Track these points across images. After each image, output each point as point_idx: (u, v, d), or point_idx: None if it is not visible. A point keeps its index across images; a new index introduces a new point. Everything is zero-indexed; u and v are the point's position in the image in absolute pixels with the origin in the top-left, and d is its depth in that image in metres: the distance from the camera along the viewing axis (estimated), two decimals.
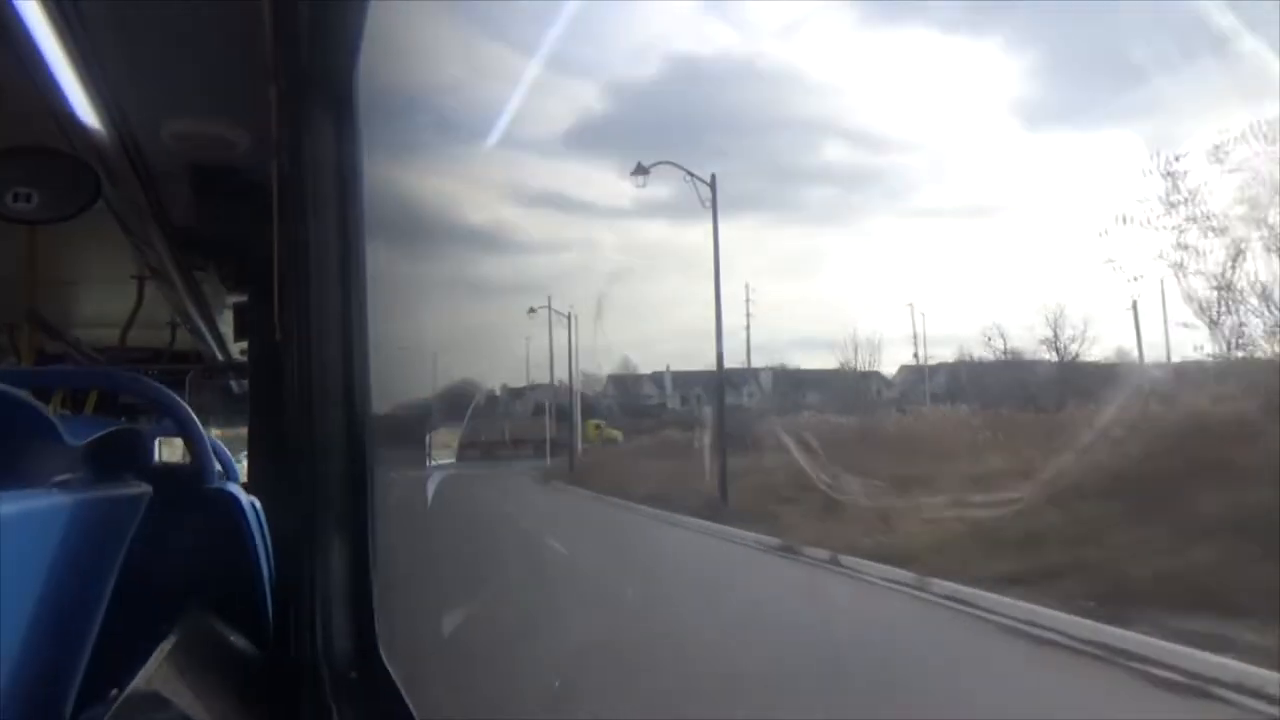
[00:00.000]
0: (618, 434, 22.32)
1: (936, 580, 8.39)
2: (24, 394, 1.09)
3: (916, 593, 8.45)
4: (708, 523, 13.36)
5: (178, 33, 2.29)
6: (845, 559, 9.92)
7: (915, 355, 18.73)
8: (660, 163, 15.65)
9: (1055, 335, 14.89)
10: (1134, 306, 13.80)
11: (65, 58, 2.38)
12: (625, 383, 24.09)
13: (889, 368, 19.65)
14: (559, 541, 11.84)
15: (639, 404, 23.84)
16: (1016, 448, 11.28)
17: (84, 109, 2.67)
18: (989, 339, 16.06)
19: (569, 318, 20.40)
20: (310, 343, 1.96)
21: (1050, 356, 15.43)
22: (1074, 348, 15.04)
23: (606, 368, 23.17)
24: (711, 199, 15.69)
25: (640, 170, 15.59)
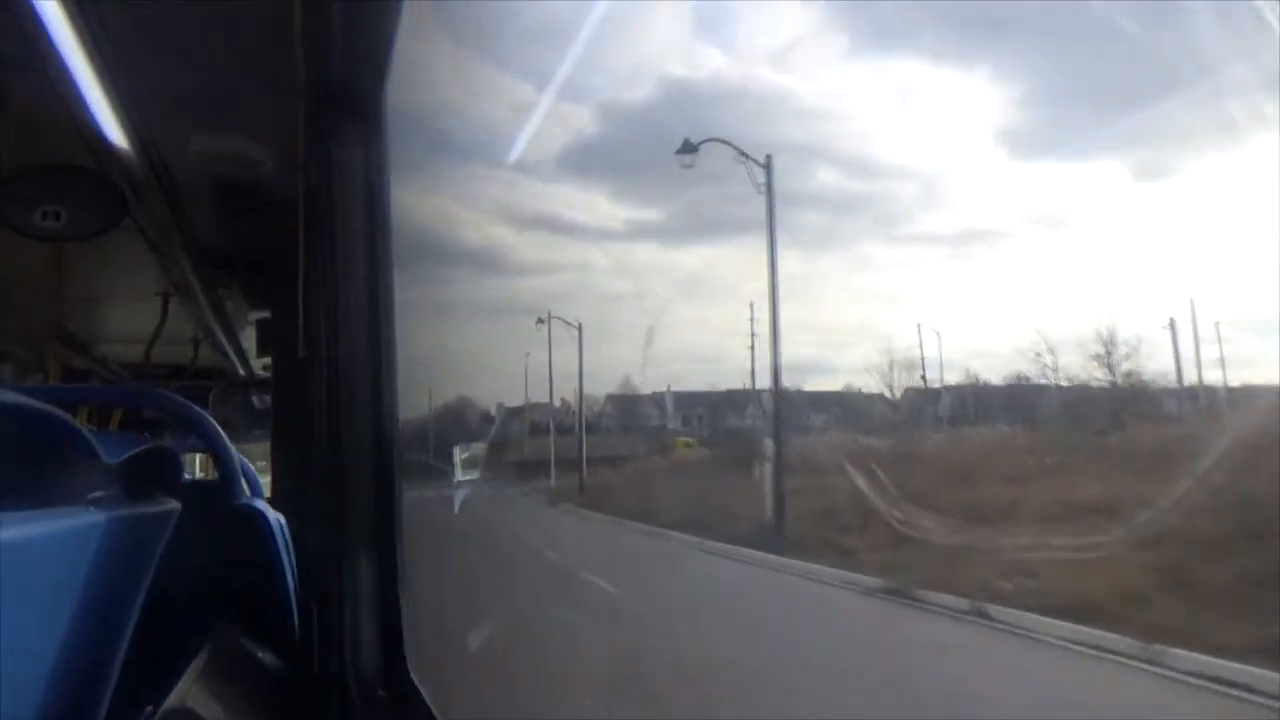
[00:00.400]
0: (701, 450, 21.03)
1: (1171, 649, 6.06)
2: (63, 413, 1.10)
3: (1164, 671, 5.98)
4: (769, 555, 11.24)
5: (206, 51, 2.31)
6: (996, 610, 7.55)
7: (923, 377, 18.59)
8: (710, 140, 15.28)
9: (1108, 353, 14.43)
10: (1171, 324, 13.59)
11: (93, 76, 2.41)
12: (625, 403, 22.99)
13: (885, 389, 19.63)
14: (601, 578, 10.01)
15: (639, 425, 22.73)
16: (1103, 473, 9.54)
17: (111, 127, 2.70)
18: (1037, 355, 15.64)
19: (578, 328, 19.95)
20: (337, 359, 1.97)
21: (1102, 376, 15.06)
22: (1126, 366, 14.72)
23: (607, 387, 22.61)
24: (767, 182, 14.80)
25: (687, 148, 15.10)
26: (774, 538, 11.98)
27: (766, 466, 14.14)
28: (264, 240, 3.38)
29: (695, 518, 13.51)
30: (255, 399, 6.03)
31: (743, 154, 15.14)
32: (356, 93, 1.75)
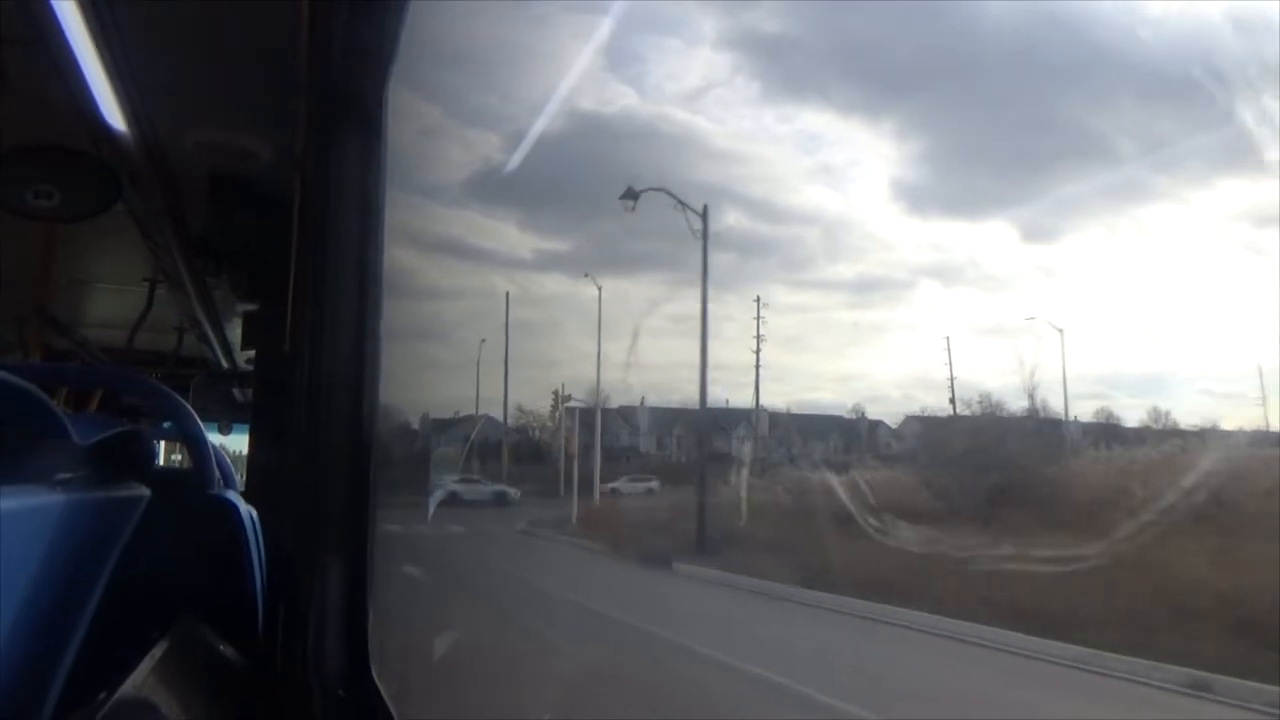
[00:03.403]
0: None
1: None
2: (36, 389, 1.09)
3: None
4: None
5: (210, 41, 2.32)
6: None
7: (951, 401, 17.94)
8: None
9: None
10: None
11: (95, 58, 2.41)
12: (588, 417, 19.02)
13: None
14: None
15: (608, 444, 19.17)
16: None
17: (110, 111, 2.70)
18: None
19: (702, 214, 15.76)
20: (320, 356, 1.96)
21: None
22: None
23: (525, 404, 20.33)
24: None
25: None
26: None
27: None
28: (256, 234, 3.37)
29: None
30: (237, 392, 6.00)
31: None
32: (358, 92, 1.76)
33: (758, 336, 18.57)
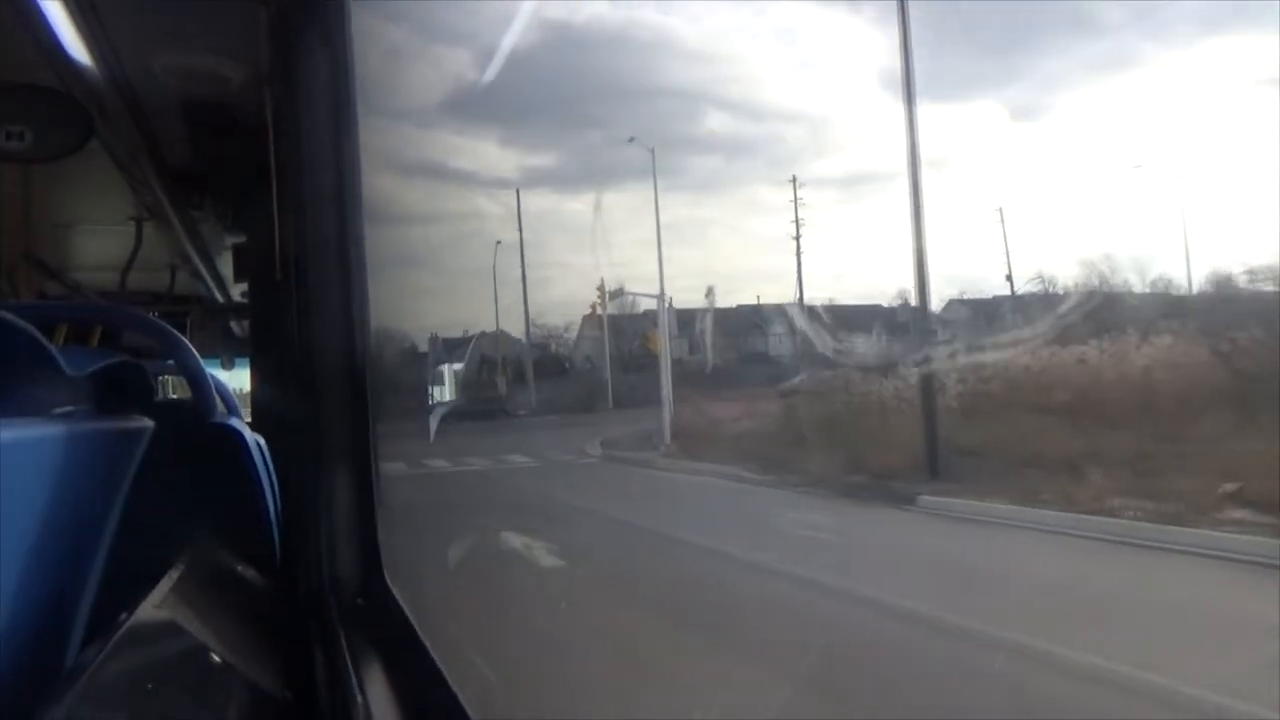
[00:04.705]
0: None
1: None
2: (24, 323, 1.08)
3: None
4: None
5: None
6: None
7: (1008, 277, 16.54)
8: None
9: None
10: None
11: None
12: (618, 324, 17.76)
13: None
14: None
15: (624, 352, 17.91)
16: None
17: (74, 44, 2.63)
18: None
19: None
20: (308, 279, 1.96)
21: None
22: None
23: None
24: None
25: None
26: None
27: None
28: (236, 162, 3.32)
29: None
30: (235, 326, 6.00)
31: None
32: (318, 2, 1.71)
33: (796, 221, 17.31)
